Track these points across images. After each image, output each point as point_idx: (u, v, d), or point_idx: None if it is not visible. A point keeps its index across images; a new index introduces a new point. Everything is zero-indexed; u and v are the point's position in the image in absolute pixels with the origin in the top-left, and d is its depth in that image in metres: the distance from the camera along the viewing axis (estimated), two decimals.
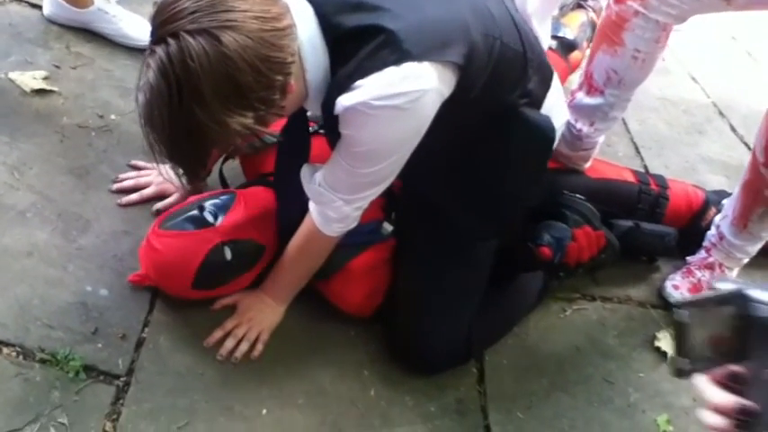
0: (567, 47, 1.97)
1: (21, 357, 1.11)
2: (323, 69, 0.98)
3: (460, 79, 1.00)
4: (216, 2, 0.88)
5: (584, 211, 1.44)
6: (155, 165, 1.43)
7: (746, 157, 1.49)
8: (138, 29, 1.72)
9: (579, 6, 2.15)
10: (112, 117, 1.56)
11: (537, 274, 1.42)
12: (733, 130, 2.26)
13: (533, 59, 1.12)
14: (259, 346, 1.21)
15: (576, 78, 1.89)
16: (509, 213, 1.24)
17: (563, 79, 1.92)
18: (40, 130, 1.47)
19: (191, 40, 0.86)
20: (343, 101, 0.93)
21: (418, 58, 0.92)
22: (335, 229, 1.14)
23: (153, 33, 0.90)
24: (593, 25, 2.11)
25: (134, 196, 1.40)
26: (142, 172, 1.44)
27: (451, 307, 1.26)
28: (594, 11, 2.16)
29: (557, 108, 1.23)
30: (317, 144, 1.17)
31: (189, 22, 0.87)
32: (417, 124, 0.99)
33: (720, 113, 2.34)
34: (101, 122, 1.54)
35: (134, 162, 1.47)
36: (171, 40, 0.87)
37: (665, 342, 1.44)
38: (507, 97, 1.11)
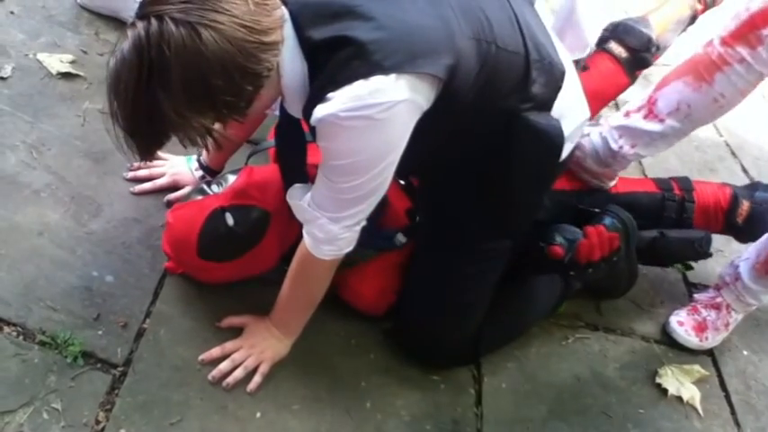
0: (641, 61, 1.68)
1: (21, 338, 1.11)
2: (300, 77, 0.98)
3: (444, 88, 0.98)
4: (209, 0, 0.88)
5: (626, 220, 1.41)
6: (170, 155, 1.45)
7: None
8: None
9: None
10: None
11: (554, 283, 1.40)
12: (744, 171, 2.25)
13: (539, 60, 1.09)
14: (257, 379, 1.16)
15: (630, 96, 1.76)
16: (517, 216, 1.23)
17: (614, 94, 1.75)
18: (61, 113, 1.48)
19: (173, 27, 0.86)
20: (317, 112, 0.93)
21: (388, 70, 0.91)
22: (326, 252, 1.09)
23: (141, 6, 0.89)
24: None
25: (147, 185, 1.40)
26: (157, 162, 1.44)
27: (462, 306, 1.26)
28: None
29: (571, 110, 1.19)
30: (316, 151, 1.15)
31: (177, 10, 0.86)
32: (391, 136, 0.97)
33: (732, 153, 2.32)
34: None
35: None
36: (154, 21, 0.86)
37: (667, 379, 1.43)
38: (506, 102, 1.08)
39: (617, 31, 1.65)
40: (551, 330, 1.46)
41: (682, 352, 1.52)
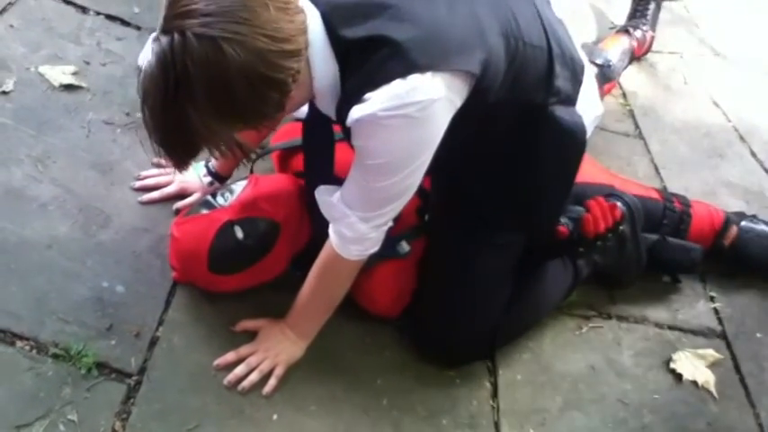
0: (606, 75, 1.96)
1: (34, 351, 1.12)
2: (332, 78, 0.98)
3: (476, 84, 0.99)
4: (230, 10, 0.87)
5: (629, 201, 1.45)
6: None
7: (766, 183, 1.47)
8: None
9: (625, 31, 2.16)
10: (138, 115, 1.52)
11: (564, 270, 1.40)
12: (753, 155, 2.24)
13: (561, 55, 1.11)
14: (272, 382, 1.16)
15: (605, 101, 1.91)
16: (538, 210, 1.24)
17: None
18: (66, 125, 1.49)
19: (195, 43, 0.86)
20: (354, 113, 0.94)
21: (424, 68, 0.92)
22: (353, 252, 1.10)
23: (164, 20, 0.90)
24: (631, 55, 2.12)
25: (155, 194, 1.40)
26: (164, 170, 1.44)
27: (478, 299, 1.26)
28: (638, 41, 2.16)
29: (589, 104, 1.21)
30: (343, 149, 1.17)
31: (199, 24, 0.87)
32: (428, 133, 0.98)
33: (741, 138, 2.31)
34: (127, 119, 1.55)
35: (157, 160, 1.47)
36: (177, 36, 0.87)
37: (681, 364, 1.42)
38: (534, 96, 1.10)
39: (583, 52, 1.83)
40: (564, 320, 1.46)
41: (695, 337, 1.52)
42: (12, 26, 1.64)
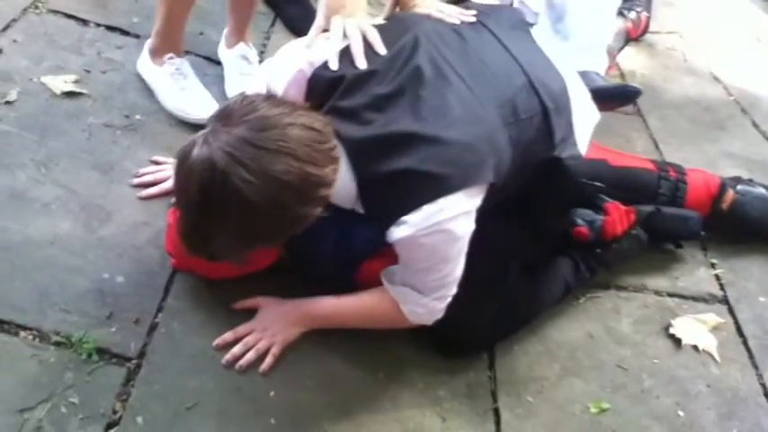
0: None
1: (37, 340, 1.16)
2: (350, 195, 1.08)
3: (492, 184, 1.10)
4: (278, 151, 0.94)
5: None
6: (174, 159, 1.50)
7: None
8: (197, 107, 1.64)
9: (619, 14, 2.17)
10: (138, 117, 1.63)
11: (566, 266, 1.42)
12: (755, 126, 2.22)
13: (555, 108, 1.19)
14: (269, 360, 1.18)
15: None
16: (543, 234, 1.37)
17: None
18: (67, 129, 1.54)
19: (238, 180, 0.93)
20: (394, 234, 1.04)
21: (448, 192, 1.02)
22: (424, 320, 1.17)
23: (209, 134, 0.97)
24: (627, 36, 2.13)
25: (153, 189, 1.45)
26: (162, 166, 1.49)
27: (476, 297, 1.25)
28: (633, 22, 2.18)
29: (585, 116, 1.29)
30: None
31: (249, 157, 0.93)
32: (459, 236, 1.08)
33: (743, 111, 2.30)
34: (126, 122, 1.61)
35: (155, 158, 1.53)
36: (220, 161, 0.93)
37: (681, 329, 1.42)
38: (539, 157, 1.19)
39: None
40: None
41: (696, 303, 1.51)
42: (15, 41, 1.71)
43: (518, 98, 1.15)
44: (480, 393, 1.24)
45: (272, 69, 1.23)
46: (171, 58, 1.65)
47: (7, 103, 1.55)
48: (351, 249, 1.24)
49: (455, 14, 1.26)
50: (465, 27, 1.24)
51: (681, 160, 1.94)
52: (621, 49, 2.16)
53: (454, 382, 1.24)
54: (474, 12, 1.29)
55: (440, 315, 1.17)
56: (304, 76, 1.11)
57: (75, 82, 1.65)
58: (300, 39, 1.23)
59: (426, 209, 1.00)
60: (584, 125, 1.30)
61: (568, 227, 1.41)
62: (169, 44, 1.64)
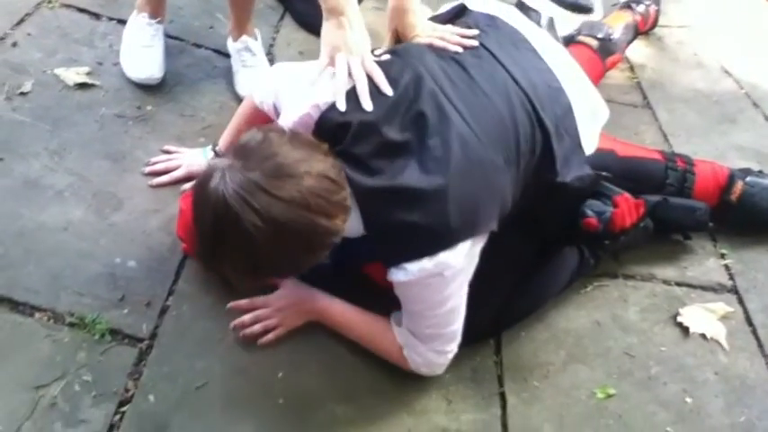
0: (608, 49, 1.97)
1: (51, 321, 1.18)
2: (356, 232, 1.09)
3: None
4: (296, 202, 0.95)
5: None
6: (184, 149, 1.53)
7: None
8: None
9: (628, 7, 2.17)
10: (149, 107, 1.65)
11: (572, 254, 1.43)
12: (767, 119, 2.21)
13: (555, 132, 1.20)
14: (270, 336, 1.22)
15: (610, 75, 2.04)
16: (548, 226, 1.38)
17: (598, 80, 1.93)
18: (80, 120, 1.57)
19: (250, 226, 0.94)
20: (394, 276, 1.07)
21: (450, 245, 1.04)
22: (420, 368, 1.19)
23: (226, 169, 0.97)
24: (635, 29, 2.13)
25: (164, 178, 1.47)
26: (172, 155, 1.51)
27: (480, 290, 1.27)
28: (641, 15, 2.17)
29: (594, 115, 1.31)
30: None
31: (262, 207, 0.94)
32: (458, 280, 1.10)
33: (754, 104, 2.28)
34: (138, 112, 1.63)
35: (166, 147, 1.55)
36: (233, 202, 0.94)
37: (689, 318, 1.41)
38: (543, 181, 1.20)
39: (584, 28, 1.97)
40: None
41: (705, 292, 1.51)
42: (29, 34, 1.74)
43: (521, 130, 1.16)
44: (486, 378, 1.25)
45: (280, 95, 1.21)
46: (147, 16, 1.70)
47: (22, 94, 1.58)
48: (353, 256, 1.25)
49: (456, 41, 1.24)
50: (467, 55, 1.22)
51: (690, 153, 1.92)
52: (630, 42, 2.16)
53: (460, 366, 1.25)
54: (475, 32, 1.27)
55: (438, 370, 1.20)
56: (311, 118, 1.11)
57: (88, 74, 1.68)
58: (305, 69, 1.20)
59: (426, 261, 1.04)
60: (591, 128, 1.31)
61: (578, 218, 1.41)
62: (150, 5, 1.70)
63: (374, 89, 1.10)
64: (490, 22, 1.31)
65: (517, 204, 1.20)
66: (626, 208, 1.43)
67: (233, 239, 0.96)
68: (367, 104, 1.08)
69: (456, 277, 1.08)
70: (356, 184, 1.04)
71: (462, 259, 1.06)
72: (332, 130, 1.08)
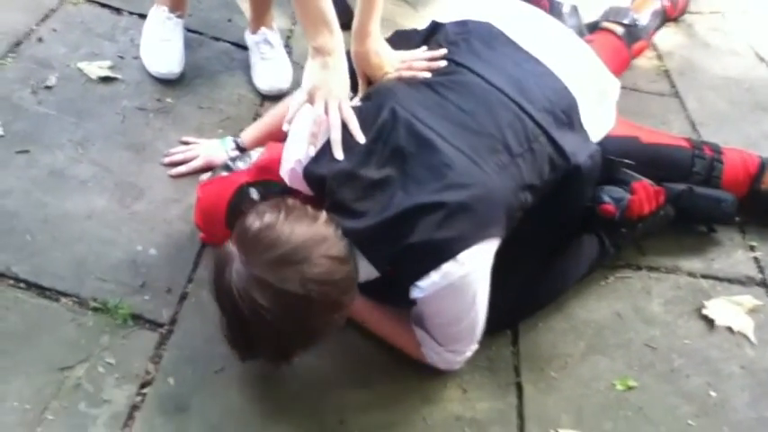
0: (634, 35, 1.92)
1: (76, 306, 1.22)
2: (371, 275, 1.11)
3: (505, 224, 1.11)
4: (290, 293, 0.97)
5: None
6: (202, 140, 1.55)
7: None
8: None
9: None
10: (169, 100, 1.68)
11: (591, 242, 1.40)
12: None
13: (551, 121, 1.18)
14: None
15: (637, 64, 1.99)
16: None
17: (623, 67, 1.90)
18: (103, 112, 1.60)
19: (259, 314, 0.98)
20: (413, 296, 1.08)
21: (450, 255, 1.04)
22: (438, 365, 1.19)
23: (235, 258, 1.00)
24: (663, 15, 2.08)
25: (183, 168, 1.49)
26: (191, 146, 1.53)
27: (498, 279, 1.25)
28: (670, 1, 2.12)
29: (604, 92, 1.29)
30: None
31: (264, 301, 0.98)
32: (476, 288, 1.09)
33: None
34: (158, 105, 1.66)
35: (185, 138, 1.57)
36: (245, 298, 0.98)
37: (715, 311, 1.38)
38: (549, 175, 1.19)
39: (609, 14, 1.90)
40: None
41: (731, 285, 1.47)
42: (54, 30, 1.78)
43: (509, 135, 1.15)
44: (502, 367, 1.24)
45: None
46: (168, 10, 1.72)
47: (47, 87, 1.62)
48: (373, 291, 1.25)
49: (424, 66, 1.25)
50: (437, 76, 1.22)
51: (720, 142, 1.88)
52: (658, 28, 2.10)
53: (476, 356, 1.23)
54: (443, 51, 1.27)
55: (456, 367, 1.20)
56: (297, 174, 1.16)
57: (110, 68, 1.71)
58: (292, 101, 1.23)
59: (433, 274, 1.04)
60: (601, 107, 1.28)
61: (595, 204, 1.38)
62: (171, 1, 1.72)
63: (349, 137, 1.12)
64: (461, 30, 1.30)
65: (539, 197, 1.19)
66: (644, 195, 1.40)
67: (254, 328, 1.01)
68: (338, 154, 1.10)
69: (470, 285, 1.07)
70: (350, 231, 1.06)
71: (469, 266, 1.05)
72: (317, 181, 1.12)
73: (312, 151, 1.12)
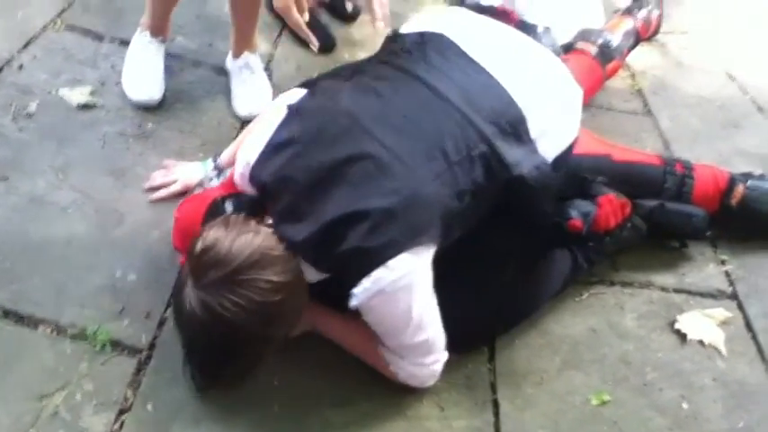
0: (607, 55, 1.96)
1: (54, 333, 1.22)
2: (317, 276, 1.14)
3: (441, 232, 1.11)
4: (239, 305, 1.02)
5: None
6: (181, 162, 1.57)
7: None
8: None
9: (629, 13, 2.17)
10: (149, 125, 1.69)
11: (564, 258, 1.43)
12: None
13: (495, 131, 1.18)
14: None
15: (611, 84, 2.04)
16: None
17: (598, 87, 1.95)
18: (84, 138, 1.62)
19: (217, 316, 1.02)
20: (351, 304, 1.09)
21: (381, 261, 1.05)
22: (407, 381, 1.21)
23: (189, 283, 1.05)
24: (637, 36, 2.13)
25: (162, 192, 1.51)
26: (169, 170, 1.55)
27: (474, 295, 1.28)
28: (643, 21, 2.17)
29: (552, 124, 1.27)
30: None
31: (215, 321, 1.03)
32: (411, 294, 1.09)
33: (759, 109, 2.26)
34: (138, 130, 1.67)
35: (165, 162, 1.59)
36: (202, 318, 1.03)
37: (687, 324, 1.41)
38: (493, 182, 1.18)
39: (582, 35, 1.96)
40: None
41: (703, 299, 1.50)
42: (35, 57, 1.80)
43: (448, 143, 1.15)
44: (479, 385, 1.26)
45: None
46: (149, 35, 1.75)
47: (28, 114, 1.63)
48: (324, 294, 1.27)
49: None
50: (384, 83, 1.23)
51: (692, 159, 1.92)
52: (632, 48, 2.15)
53: (452, 373, 1.25)
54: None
55: (429, 382, 1.21)
56: (244, 178, 1.20)
57: (91, 94, 1.72)
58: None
59: (365, 281, 1.05)
60: (563, 117, 1.30)
61: (564, 220, 1.40)
62: (153, 25, 1.75)
63: (293, 139, 1.14)
64: (417, 40, 1.32)
65: (482, 209, 1.19)
66: (610, 209, 1.42)
67: (218, 340, 1.05)
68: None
69: (402, 291, 1.07)
70: (291, 241, 1.08)
71: (399, 272, 1.05)
72: (262, 185, 1.16)
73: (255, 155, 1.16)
